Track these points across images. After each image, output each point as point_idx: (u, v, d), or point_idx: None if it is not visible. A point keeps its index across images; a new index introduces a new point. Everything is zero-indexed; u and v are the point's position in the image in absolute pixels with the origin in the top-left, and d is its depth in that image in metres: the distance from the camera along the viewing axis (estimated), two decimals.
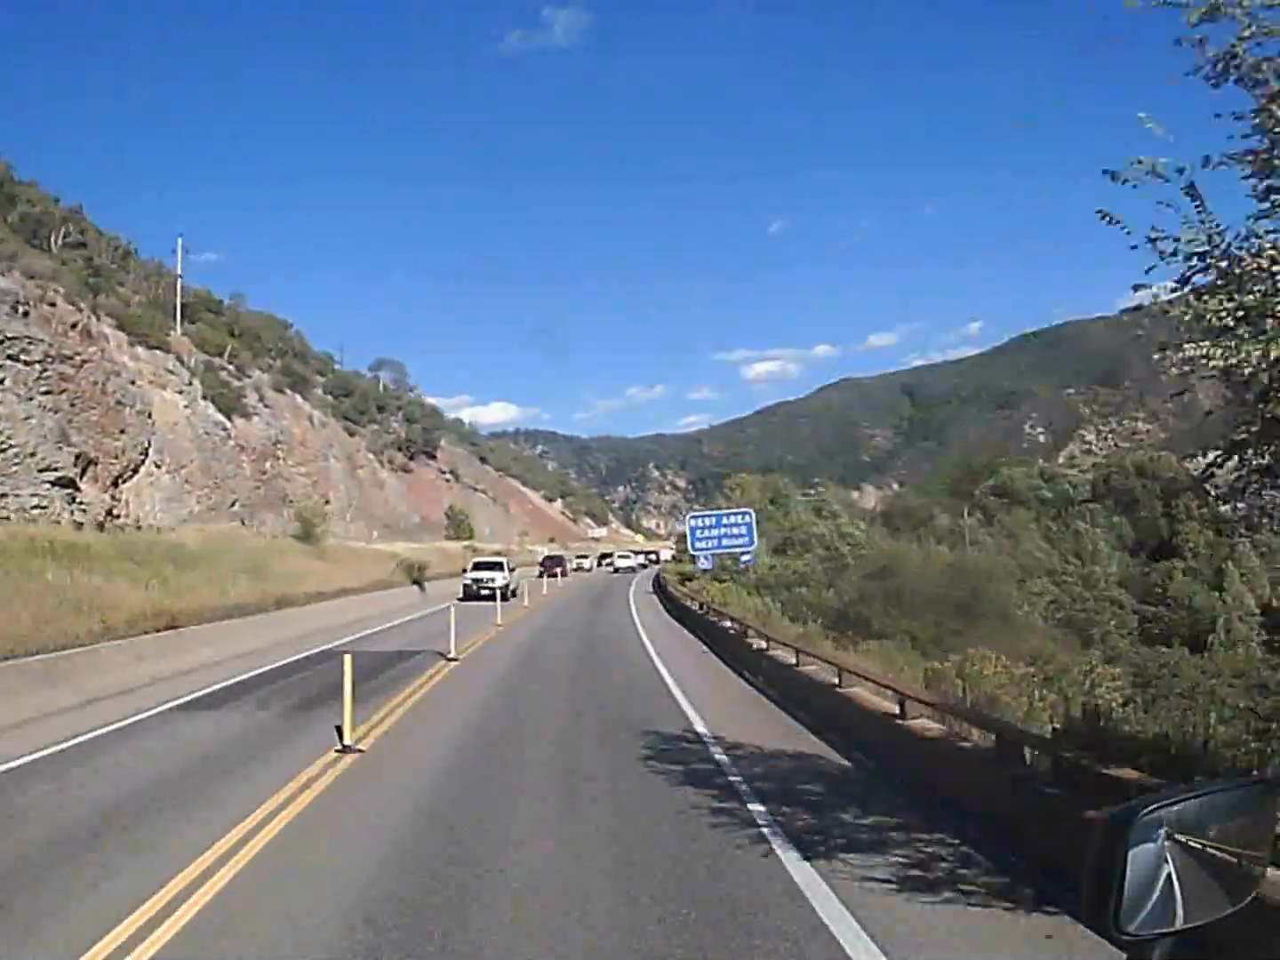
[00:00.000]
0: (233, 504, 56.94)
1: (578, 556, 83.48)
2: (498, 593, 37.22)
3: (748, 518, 37.58)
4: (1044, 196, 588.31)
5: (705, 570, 39.33)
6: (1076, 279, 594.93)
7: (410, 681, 18.75)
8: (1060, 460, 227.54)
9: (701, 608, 30.84)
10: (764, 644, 19.89)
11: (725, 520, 37.57)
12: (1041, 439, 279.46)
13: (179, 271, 74.30)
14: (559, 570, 64.40)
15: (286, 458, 66.35)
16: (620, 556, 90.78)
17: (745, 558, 37.63)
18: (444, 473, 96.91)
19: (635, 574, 76.70)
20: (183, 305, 74.30)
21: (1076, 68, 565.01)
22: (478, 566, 46.12)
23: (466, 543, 71.47)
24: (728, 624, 24.94)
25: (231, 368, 68.70)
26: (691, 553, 39.86)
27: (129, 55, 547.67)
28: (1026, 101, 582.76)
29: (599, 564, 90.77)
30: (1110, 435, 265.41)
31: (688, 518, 40.05)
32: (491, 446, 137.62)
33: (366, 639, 27.51)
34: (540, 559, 69.75)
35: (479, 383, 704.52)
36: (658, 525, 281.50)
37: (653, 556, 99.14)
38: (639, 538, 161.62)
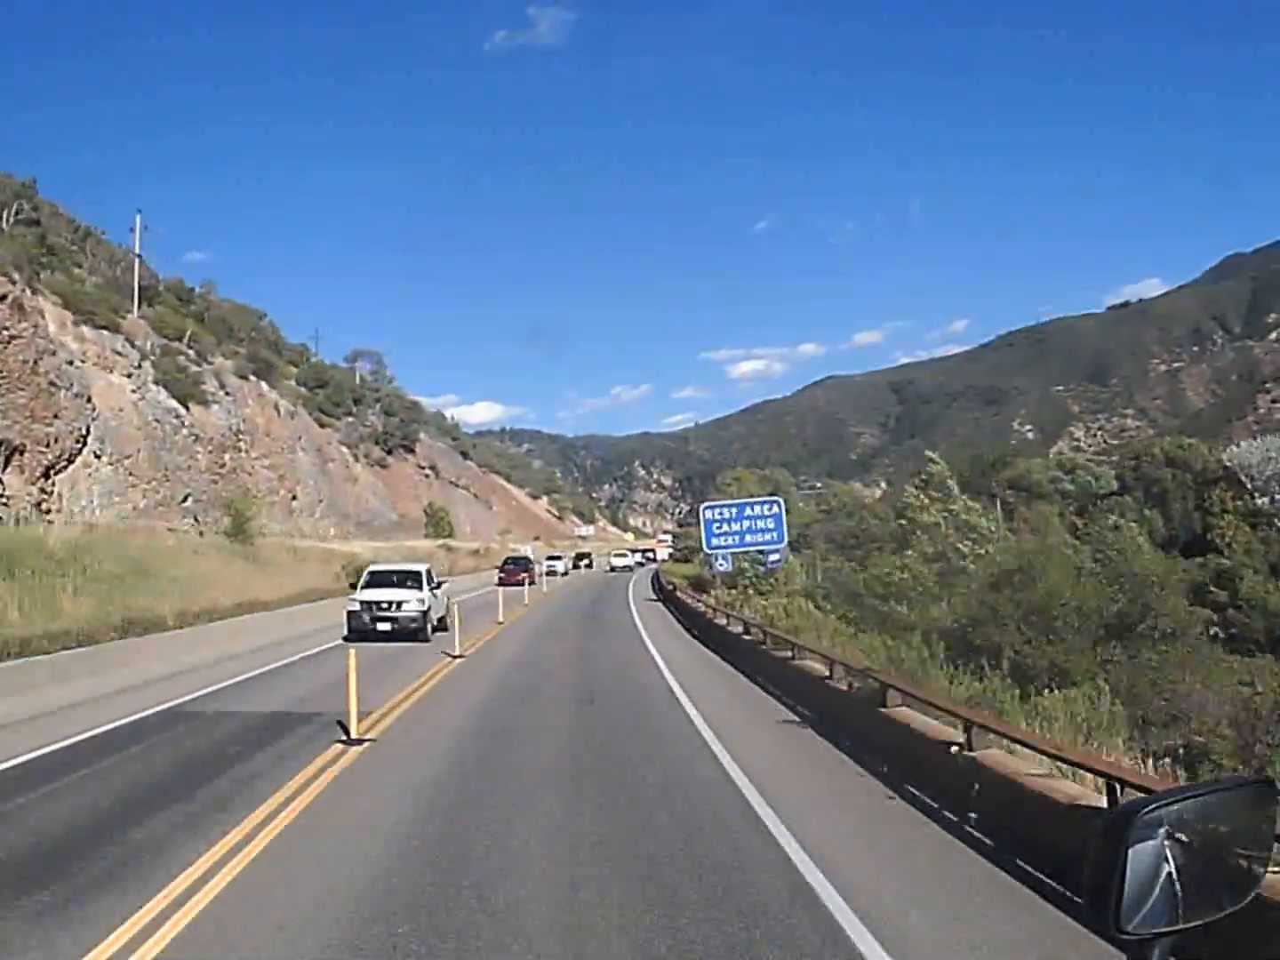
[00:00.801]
0: (184, 499, 51.47)
1: (549, 558, 68.37)
2: (420, 623, 25.00)
3: (776, 508, 30.25)
4: (1030, 195, 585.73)
5: (722, 574, 31.87)
6: (1063, 277, 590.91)
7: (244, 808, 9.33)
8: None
9: (750, 633, 21.07)
10: (922, 719, 11.00)
11: (748, 511, 30.21)
12: (1030, 436, 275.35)
13: (136, 250, 69.06)
14: (523, 576, 51.19)
15: (249, 449, 60.85)
16: (616, 555, 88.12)
17: (773, 558, 30.23)
18: (423, 468, 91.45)
19: (632, 574, 73.07)
20: (146, 290, 69.31)
21: (1064, 64, 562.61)
22: (375, 581, 26.66)
23: (442, 541, 65.66)
24: (822, 670, 15.14)
25: (191, 353, 63.23)
26: (706, 551, 31.90)
27: (117, 54, 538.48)
28: (1013, 99, 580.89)
29: (575, 565, 79.19)
30: (1099, 432, 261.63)
31: (702, 509, 32.01)
32: (474, 442, 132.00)
33: (239, 689, 17.64)
34: (502, 564, 56.83)
35: (465, 382, 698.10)
36: (644, 524, 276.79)
37: (650, 555, 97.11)
38: (629, 536, 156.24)
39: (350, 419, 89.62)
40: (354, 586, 28.66)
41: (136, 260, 68.12)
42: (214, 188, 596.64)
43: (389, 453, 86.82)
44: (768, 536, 29.84)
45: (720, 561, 31.20)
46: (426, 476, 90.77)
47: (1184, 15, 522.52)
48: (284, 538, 45.83)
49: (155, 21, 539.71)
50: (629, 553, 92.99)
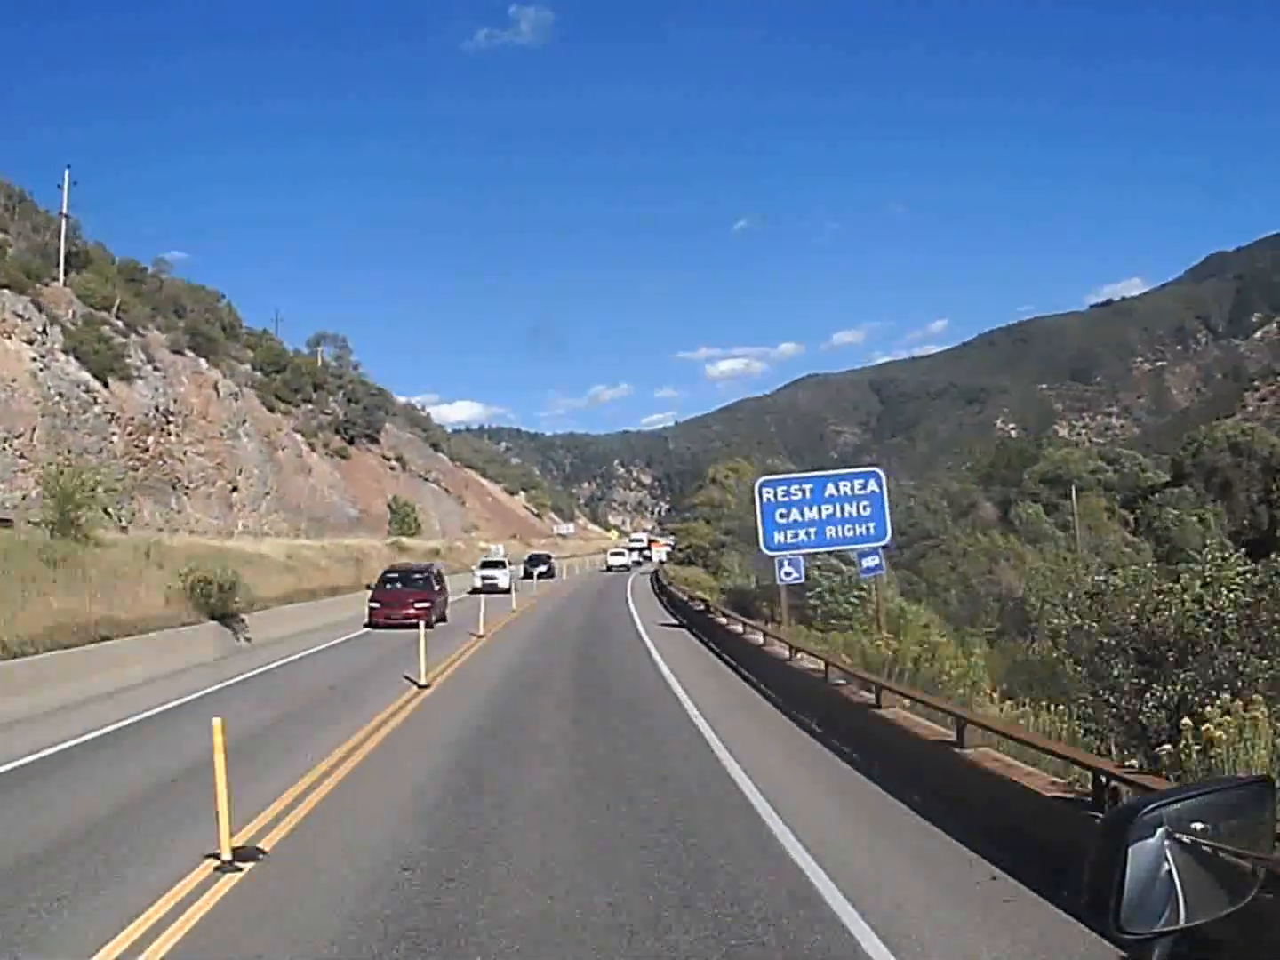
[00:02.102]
0: (94, 487, 43.02)
1: (483, 564, 49.60)
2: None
3: (873, 485, 20.20)
4: (1011, 195, 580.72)
5: (789, 586, 20.76)
6: (1043, 278, 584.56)
7: None
8: None
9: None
10: None
11: (831, 491, 19.95)
12: (1013, 434, 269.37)
13: (64, 209, 60.58)
14: (416, 607, 28.39)
15: (180, 433, 52.36)
16: (613, 554, 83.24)
17: (870, 562, 19.75)
18: (388, 459, 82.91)
19: (628, 574, 65.25)
20: (78, 257, 61.06)
21: (1045, 67, 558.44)
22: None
23: (393, 539, 56.62)
24: None
25: (120, 324, 54.77)
26: (768, 551, 20.71)
27: (101, 47, 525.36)
28: (991, 103, 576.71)
29: (530, 574, 56.75)
30: (1084, 430, 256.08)
31: (759, 487, 21.48)
32: (447, 434, 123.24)
33: None
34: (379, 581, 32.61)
35: (445, 382, 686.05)
36: (624, 522, 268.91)
37: (646, 554, 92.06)
38: (612, 534, 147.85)
39: (309, 406, 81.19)
40: (220, 617, 23.40)
41: (63, 222, 59.86)
42: (193, 178, 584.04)
43: (350, 442, 78.35)
44: (861, 530, 19.72)
45: (788, 568, 20.13)
46: (392, 469, 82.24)
47: (1162, 18, 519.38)
48: (158, 532, 36.67)
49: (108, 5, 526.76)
50: (625, 551, 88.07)
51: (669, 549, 77.48)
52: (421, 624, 20.66)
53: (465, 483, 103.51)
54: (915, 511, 45.47)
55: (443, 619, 30.70)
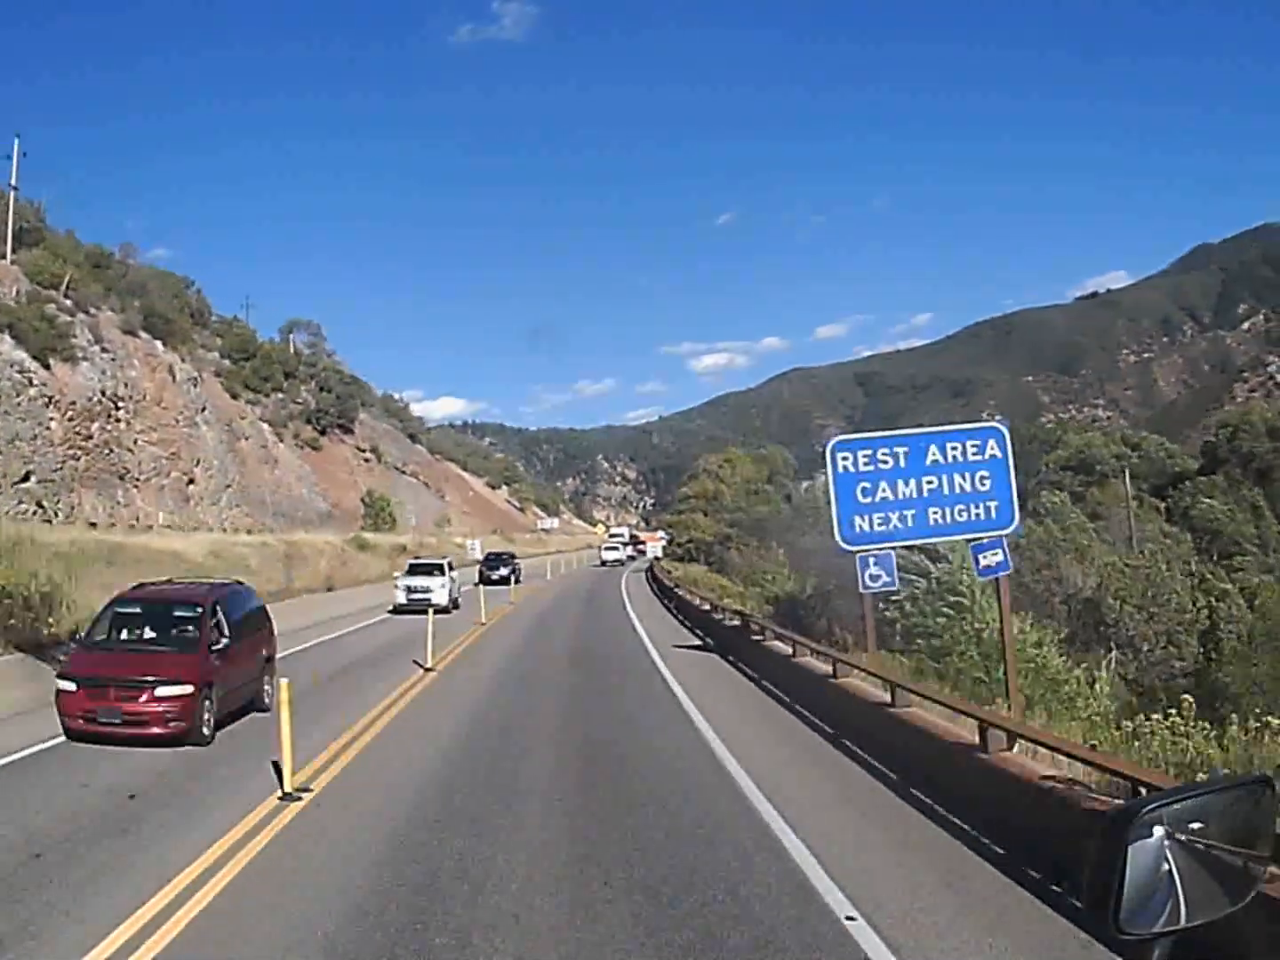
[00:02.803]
0: (26, 477, 38.67)
1: (412, 569, 35.85)
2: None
3: (994, 447, 14.60)
4: (993, 189, 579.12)
5: (876, 593, 14.97)
6: (1026, 272, 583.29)
7: None
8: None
9: None
10: None
11: (934, 456, 14.37)
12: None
13: (13, 182, 56.09)
14: (146, 704, 12.05)
15: (130, 420, 47.90)
16: (607, 549, 79.84)
17: (990, 560, 14.20)
18: (362, 451, 78.42)
19: (622, 570, 60.59)
20: (31, 234, 56.56)
21: (1027, 60, 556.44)
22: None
23: (354, 535, 51.37)
24: None
25: (68, 302, 50.23)
26: (846, 545, 14.53)
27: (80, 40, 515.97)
28: (973, 98, 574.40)
29: (488, 578, 45.70)
30: (1072, 422, 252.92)
31: (832, 449, 14.98)
32: (425, 426, 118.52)
33: None
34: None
35: (429, 378, 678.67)
36: (608, 517, 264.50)
37: (641, 548, 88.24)
38: (598, 529, 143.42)
39: (280, 395, 76.67)
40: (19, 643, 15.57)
41: (12, 194, 55.36)
42: (180, 174, 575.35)
43: (322, 433, 73.92)
44: (978, 512, 14.27)
45: (874, 569, 14.11)
46: (366, 461, 77.79)
47: (1145, 11, 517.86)
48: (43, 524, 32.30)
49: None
50: (620, 545, 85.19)
51: (664, 544, 71.86)
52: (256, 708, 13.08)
53: (445, 476, 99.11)
54: None
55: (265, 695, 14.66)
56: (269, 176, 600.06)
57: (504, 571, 47.02)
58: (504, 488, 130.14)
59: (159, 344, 54.59)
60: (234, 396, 61.83)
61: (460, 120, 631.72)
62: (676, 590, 36.15)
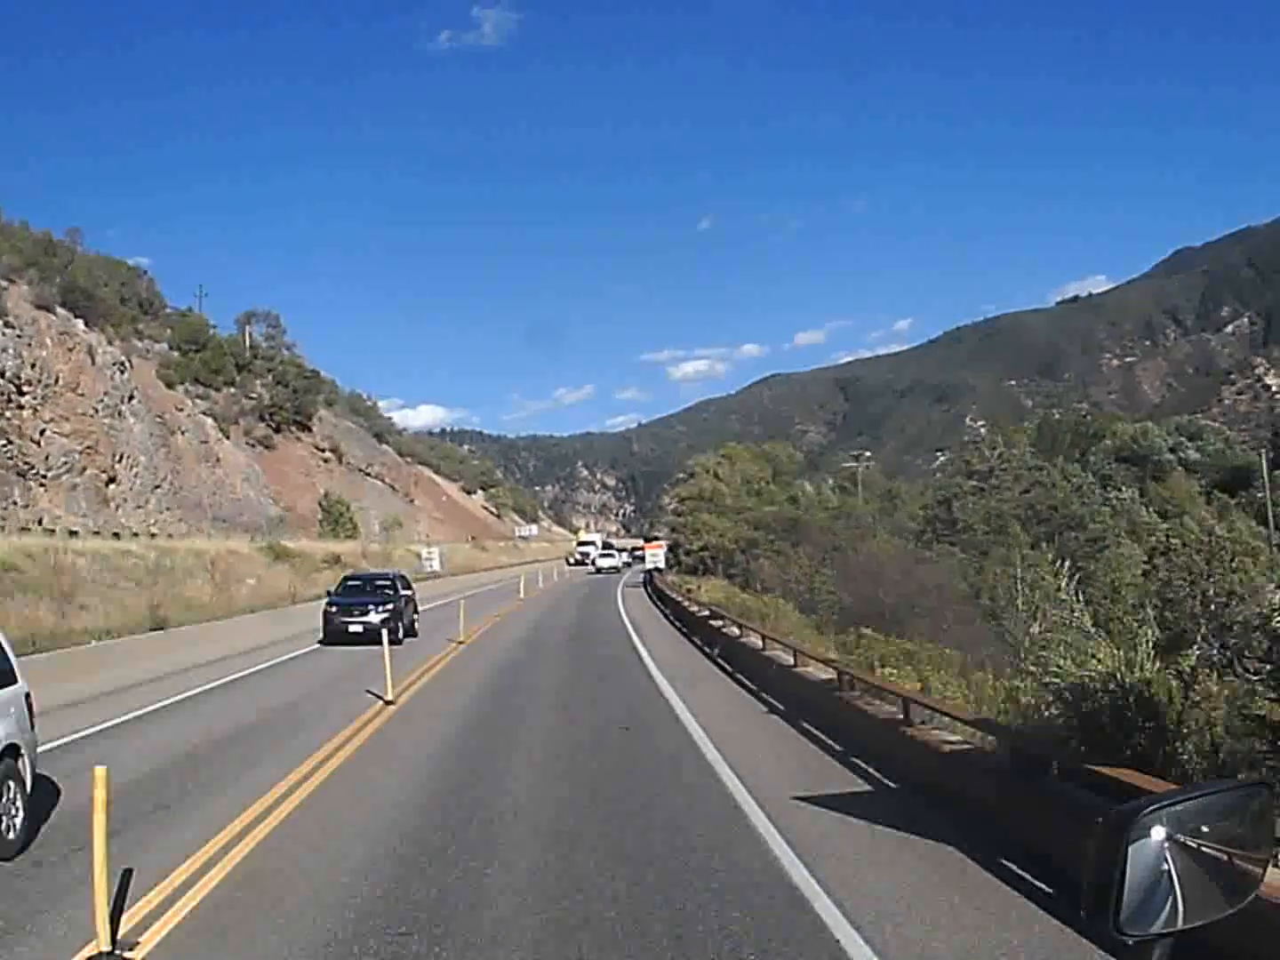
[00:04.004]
0: None
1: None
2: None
3: None
4: (972, 194, 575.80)
5: None
6: (1007, 277, 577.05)
7: None
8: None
9: None
10: None
11: None
12: (984, 431, 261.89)
13: None
14: None
15: (38, 407, 40.75)
16: (602, 555, 75.21)
17: None
18: (321, 450, 71.11)
19: (615, 584, 52.58)
20: None
21: (1006, 62, 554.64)
22: None
23: (266, 543, 41.81)
24: None
25: None
26: None
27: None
28: (953, 105, 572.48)
29: (334, 627, 25.00)
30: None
31: None
32: (394, 426, 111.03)
33: None
34: None
35: (409, 387, 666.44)
36: (588, 524, 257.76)
37: (638, 554, 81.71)
38: (581, 535, 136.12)
39: (232, 389, 69.46)
40: None
41: None
42: (172, 195, 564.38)
43: (276, 430, 66.66)
44: None
45: None
46: (325, 461, 70.51)
47: (1128, 15, 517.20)
48: None
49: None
50: (616, 552, 79.90)
51: (666, 553, 56.64)
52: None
53: (415, 480, 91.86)
54: (1055, 491, 33.81)
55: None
56: (258, 183, 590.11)
57: (375, 618, 24.19)
58: (480, 493, 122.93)
59: (80, 323, 47.40)
60: (169, 386, 54.51)
61: (440, 133, 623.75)
62: (725, 631, 21.50)
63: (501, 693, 16.86)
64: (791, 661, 15.35)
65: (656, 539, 73.90)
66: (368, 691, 15.69)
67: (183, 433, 51.78)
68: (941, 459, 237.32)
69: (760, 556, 35.47)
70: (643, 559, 73.74)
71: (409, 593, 27.21)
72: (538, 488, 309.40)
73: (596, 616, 34.35)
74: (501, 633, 28.10)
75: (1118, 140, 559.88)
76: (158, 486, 47.28)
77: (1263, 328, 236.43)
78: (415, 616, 27.33)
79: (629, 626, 29.53)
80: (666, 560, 50.85)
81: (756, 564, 35.20)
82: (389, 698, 14.98)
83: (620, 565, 73.09)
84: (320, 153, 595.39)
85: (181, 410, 53.38)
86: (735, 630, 20.63)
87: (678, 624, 29.32)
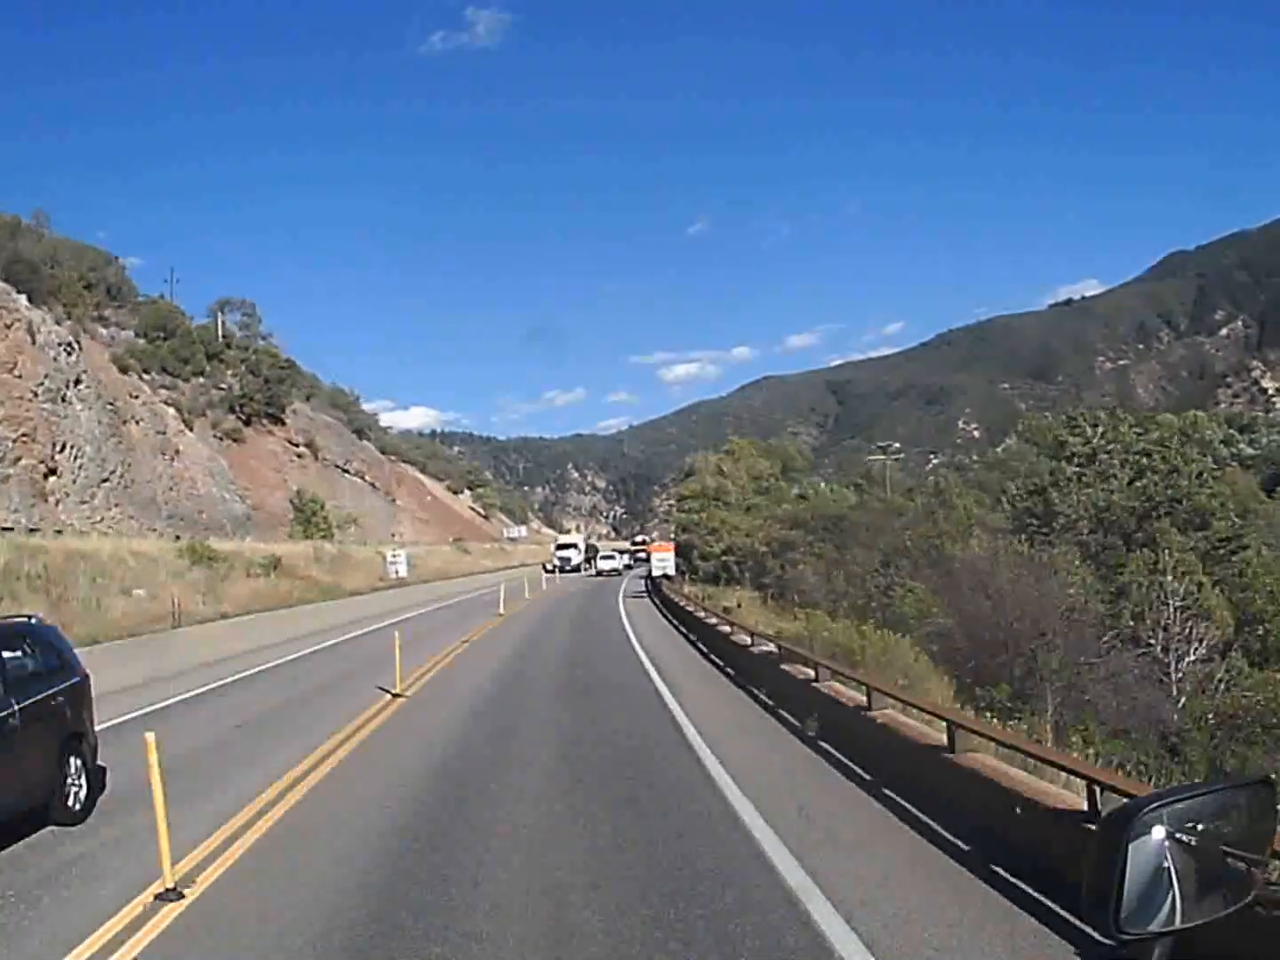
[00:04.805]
0: None
1: None
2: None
3: None
4: (964, 198, 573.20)
5: None
6: (999, 281, 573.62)
7: None
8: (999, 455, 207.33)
9: None
10: None
11: None
12: (976, 434, 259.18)
13: None
14: None
15: None
16: (604, 558, 71.92)
17: None
18: (295, 445, 66.30)
19: (620, 584, 47.50)
20: None
21: (991, 72, 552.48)
22: None
23: (183, 543, 35.40)
24: None
25: None
26: None
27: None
28: (944, 105, 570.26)
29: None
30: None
31: None
32: (385, 428, 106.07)
33: None
34: None
35: (402, 390, 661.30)
36: (579, 526, 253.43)
37: (641, 556, 78.77)
38: (561, 536, 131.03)
39: (201, 379, 64.70)
40: None
41: None
42: (168, 186, 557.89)
43: (247, 423, 61.90)
44: None
45: None
46: (300, 456, 65.68)
47: (1116, 17, 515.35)
48: None
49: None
50: (616, 554, 75.53)
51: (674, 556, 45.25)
52: None
53: (399, 478, 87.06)
54: (1179, 479, 27.33)
55: None
56: (250, 184, 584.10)
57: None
58: (467, 493, 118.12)
59: (22, 299, 42.62)
60: (124, 371, 49.67)
61: (431, 131, 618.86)
62: (835, 697, 12.46)
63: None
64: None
65: (651, 540, 69.56)
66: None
67: (137, 422, 47.00)
68: (935, 461, 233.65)
69: (799, 561, 29.28)
70: (643, 560, 69.24)
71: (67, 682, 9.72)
72: (527, 487, 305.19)
73: (600, 646, 24.92)
74: (463, 675, 19.12)
75: (1109, 146, 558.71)
76: (105, 480, 42.53)
77: (1257, 331, 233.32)
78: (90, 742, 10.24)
79: (652, 669, 19.45)
80: (678, 566, 41.48)
81: (794, 571, 29.08)
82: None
83: (621, 568, 70.28)
84: (318, 164, 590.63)
85: (137, 397, 48.56)
86: (854, 695, 11.90)
87: (722, 664, 19.72)
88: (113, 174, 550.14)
